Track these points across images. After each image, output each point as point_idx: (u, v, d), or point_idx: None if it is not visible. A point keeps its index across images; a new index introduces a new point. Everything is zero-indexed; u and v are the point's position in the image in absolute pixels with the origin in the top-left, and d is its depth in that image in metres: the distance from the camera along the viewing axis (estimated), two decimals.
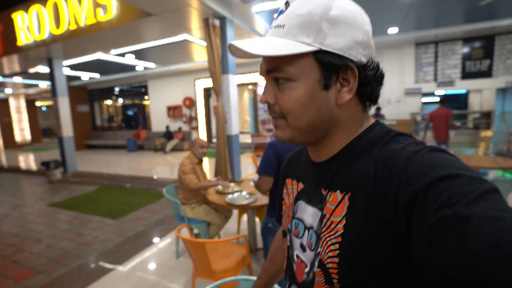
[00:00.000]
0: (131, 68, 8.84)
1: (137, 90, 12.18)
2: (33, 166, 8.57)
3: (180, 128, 10.26)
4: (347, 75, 0.45)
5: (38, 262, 2.81)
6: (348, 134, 0.49)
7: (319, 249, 0.48)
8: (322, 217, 0.49)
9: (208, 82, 9.22)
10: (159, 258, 2.68)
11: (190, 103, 10.11)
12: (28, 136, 15.02)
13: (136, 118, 12.94)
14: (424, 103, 7.17)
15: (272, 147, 1.65)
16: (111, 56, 7.04)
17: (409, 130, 6.08)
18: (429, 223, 0.30)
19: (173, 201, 2.51)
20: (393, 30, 5.93)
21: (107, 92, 12.86)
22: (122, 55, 6.99)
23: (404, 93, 6.98)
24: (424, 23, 5.58)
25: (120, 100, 13.20)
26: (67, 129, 6.77)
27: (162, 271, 2.45)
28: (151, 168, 7.42)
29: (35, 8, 5.35)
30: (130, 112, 13.15)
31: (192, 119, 10.25)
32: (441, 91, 6.74)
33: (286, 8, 0.46)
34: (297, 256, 0.55)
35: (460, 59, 6.38)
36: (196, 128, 10.11)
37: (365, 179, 0.42)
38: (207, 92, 9.82)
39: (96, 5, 4.54)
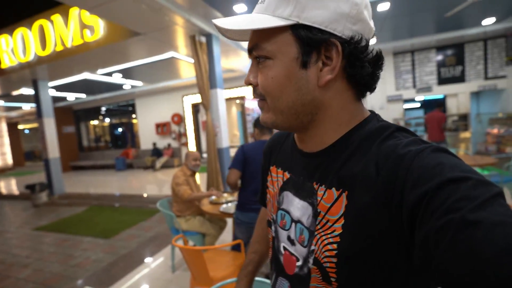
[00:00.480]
0: (118, 87, 8.85)
1: (124, 109, 12.12)
2: (15, 191, 8.27)
3: (169, 145, 10.22)
4: (330, 52, 0.41)
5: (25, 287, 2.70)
6: (340, 125, 0.45)
7: (313, 247, 0.46)
8: (316, 214, 0.46)
9: (196, 98, 9.31)
10: (155, 273, 2.64)
11: (179, 119, 10.13)
12: (10, 161, 14.52)
13: (124, 137, 12.79)
14: (406, 109, 7.50)
15: (241, 147, 2.02)
16: (98, 76, 7.04)
17: None
18: (436, 226, 0.30)
19: (168, 214, 2.51)
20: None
21: (94, 112, 12.72)
22: (109, 74, 7.01)
23: (387, 100, 7.27)
24: (400, 34, 5.93)
25: (107, 120, 13.06)
26: (53, 150, 6.64)
27: (158, 286, 2.41)
28: (142, 186, 7.31)
29: (20, 31, 5.38)
30: (118, 131, 13.00)
31: (181, 135, 10.24)
32: (421, 97, 7.08)
33: None
34: (285, 248, 0.53)
35: (435, 66, 6.75)
36: (185, 144, 10.09)
37: (365, 178, 0.40)
38: (195, 107, 9.90)
39: (83, 26, 4.61)
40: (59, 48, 4.95)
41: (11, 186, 9.34)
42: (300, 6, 0.40)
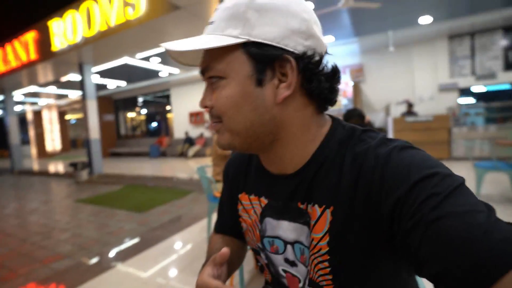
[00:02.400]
0: (155, 74, 9.05)
1: (159, 99, 12.47)
2: (61, 170, 8.82)
3: (202, 134, 10.27)
4: (285, 68, 0.40)
5: (64, 248, 2.71)
6: (307, 141, 0.45)
7: (308, 267, 0.46)
8: (305, 230, 0.46)
9: None
10: (190, 242, 2.50)
11: None
12: (58, 146, 15.71)
13: (158, 126, 13.18)
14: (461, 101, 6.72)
15: None
16: (137, 60, 7.22)
17: (448, 126, 5.65)
18: (408, 227, 0.32)
19: (205, 178, 2.35)
20: (425, 20, 5.61)
21: (131, 102, 13.27)
22: (147, 59, 7.15)
23: (438, 89, 6.57)
24: (458, 9, 5.23)
25: (144, 109, 13.55)
26: (94, 132, 6.92)
27: (194, 253, 2.26)
28: (174, 172, 7.38)
29: (69, 13, 5.62)
30: (153, 119, 13.44)
31: None
32: (479, 88, 6.27)
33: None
34: (285, 271, 0.52)
35: (502, 50, 5.92)
36: None
37: (345, 191, 0.40)
38: None
39: (126, 4, 4.66)
40: (103, 27, 5.08)
41: (58, 166, 10.01)
42: (250, 24, 0.39)
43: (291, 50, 0.40)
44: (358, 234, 0.39)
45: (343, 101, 7.05)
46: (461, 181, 0.33)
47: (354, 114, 2.11)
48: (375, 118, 7.44)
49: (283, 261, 0.51)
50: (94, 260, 2.34)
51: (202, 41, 0.41)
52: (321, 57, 0.42)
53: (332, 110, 7.29)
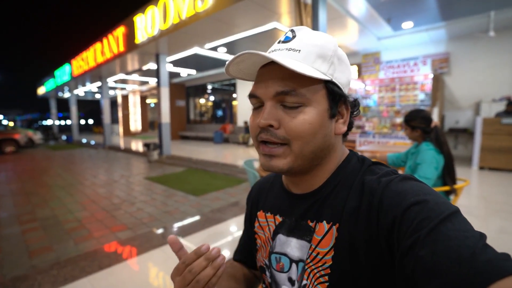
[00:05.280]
0: (223, 63, 9.42)
1: (227, 87, 13.03)
2: (140, 149, 10.11)
3: None
4: (342, 108, 0.49)
5: (129, 220, 3.09)
6: (334, 165, 0.51)
7: (304, 281, 0.48)
8: (308, 248, 0.48)
9: None
10: (233, 230, 2.57)
11: None
12: (139, 127, 18.01)
13: (224, 112, 13.85)
14: None
15: None
16: (205, 50, 7.61)
17: None
18: (407, 246, 0.34)
19: (251, 172, 2.35)
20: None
21: (201, 89, 14.20)
22: (215, 49, 7.47)
23: None
24: None
25: (212, 96, 14.39)
26: (165, 116, 7.65)
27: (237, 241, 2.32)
28: (234, 159, 7.68)
29: (150, 9, 6.21)
30: (220, 106, 14.17)
31: None
32: None
33: (293, 35, 0.47)
34: None
35: None
36: None
37: (351, 211, 0.44)
38: None
39: None
40: (176, 20, 5.47)
41: (137, 145, 11.51)
42: (334, 66, 0.46)
43: (346, 96, 0.49)
44: (360, 252, 0.41)
45: (420, 96, 6.15)
46: (456, 209, 0.36)
47: (417, 116, 1.79)
48: (461, 117, 6.33)
49: (287, 280, 0.53)
50: (149, 235, 2.61)
51: (298, 65, 0.43)
52: (358, 103, 0.53)
53: (407, 105, 6.46)
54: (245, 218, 0.68)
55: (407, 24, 5.72)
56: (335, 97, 0.47)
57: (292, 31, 0.47)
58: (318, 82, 0.45)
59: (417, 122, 1.79)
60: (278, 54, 0.45)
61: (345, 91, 0.49)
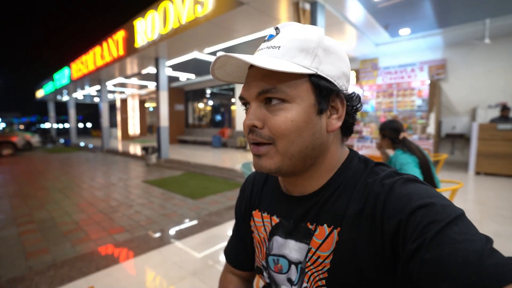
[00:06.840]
0: None
1: (225, 91, 13.08)
2: (138, 152, 10.09)
3: None
4: (336, 102, 0.46)
5: (126, 222, 3.09)
6: (333, 166, 0.49)
7: (304, 284, 0.48)
8: (308, 251, 0.48)
9: None
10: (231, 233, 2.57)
11: None
12: (137, 131, 17.99)
13: (222, 117, 13.88)
14: None
15: None
16: (205, 55, 7.67)
17: None
18: (412, 249, 0.33)
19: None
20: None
21: (200, 94, 14.25)
22: (214, 53, 7.52)
23: None
24: None
25: (210, 101, 14.43)
26: (164, 120, 7.66)
27: None
28: (232, 163, 7.68)
29: (150, 13, 6.27)
30: (218, 111, 14.21)
31: None
32: None
33: (277, 33, 0.46)
34: None
35: None
36: None
37: (354, 215, 0.43)
38: None
39: (196, 2, 4.96)
40: (176, 25, 5.52)
41: (135, 149, 11.49)
42: (318, 59, 0.44)
43: (342, 89, 0.46)
44: (360, 257, 0.41)
45: (417, 102, 6.22)
46: (462, 212, 0.35)
47: (388, 127, 1.89)
48: (457, 123, 6.39)
49: (286, 280, 0.52)
50: (146, 238, 2.60)
51: (275, 62, 0.41)
52: (358, 96, 0.50)
53: (404, 111, 6.53)
54: (235, 210, 0.67)
55: (405, 31, 5.81)
56: (322, 91, 0.44)
57: (277, 28, 0.46)
58: (300, 77, 0.43)
59: (387, 132, 1.90)
60: (260, 53, 0.45)
61: (339, 83, 0.45)
